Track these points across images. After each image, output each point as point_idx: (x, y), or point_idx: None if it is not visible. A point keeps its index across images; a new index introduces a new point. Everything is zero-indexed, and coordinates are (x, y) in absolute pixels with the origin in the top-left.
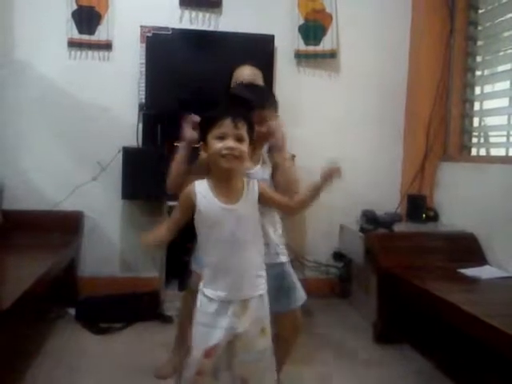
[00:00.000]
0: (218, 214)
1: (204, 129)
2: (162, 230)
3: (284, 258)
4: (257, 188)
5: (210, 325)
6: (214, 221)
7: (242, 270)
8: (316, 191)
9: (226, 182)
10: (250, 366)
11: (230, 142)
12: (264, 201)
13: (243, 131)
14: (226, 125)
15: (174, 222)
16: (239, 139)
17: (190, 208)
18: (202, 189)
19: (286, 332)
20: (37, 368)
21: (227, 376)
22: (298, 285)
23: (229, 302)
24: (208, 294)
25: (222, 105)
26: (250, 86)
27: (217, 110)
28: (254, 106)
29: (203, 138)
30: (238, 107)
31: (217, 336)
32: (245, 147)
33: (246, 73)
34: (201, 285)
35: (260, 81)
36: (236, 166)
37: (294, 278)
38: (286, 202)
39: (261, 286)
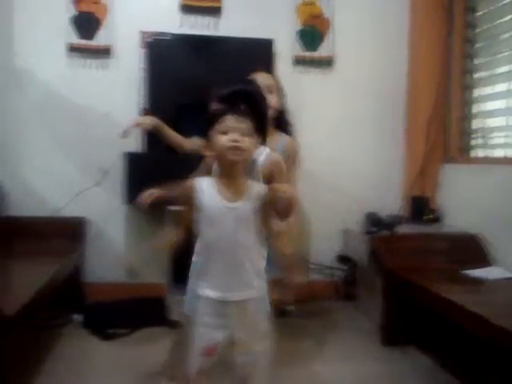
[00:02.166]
0: (219, 211)
1: (208, 126)
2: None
3: None
4: (262, 191)
5: (209, 325)
6: (215, 219)
7: (240, 271)
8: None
9: (229, 179)
10: (248, 366)
11: (235, 135)
12: (263, 206)
13: (247, 125)
14: (230, 119)
15: (181, 221)
16: (244, 134)
17: (193, 203)
18: (204, 185)
19: None
20: (44, 375)
21: (226, 378)
22: None
23: (226, 302)
24: (205, 294)
25: (225, 101)
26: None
27: (221, 106)
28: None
29: (207, 136)
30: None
31: (216, 335)
32: (249, 142)
33: (258, 80)
34: (198, 282)
35: (275, 90)
36: (241, 158)
37: None
38: (272, 232)
39: (260, 288)
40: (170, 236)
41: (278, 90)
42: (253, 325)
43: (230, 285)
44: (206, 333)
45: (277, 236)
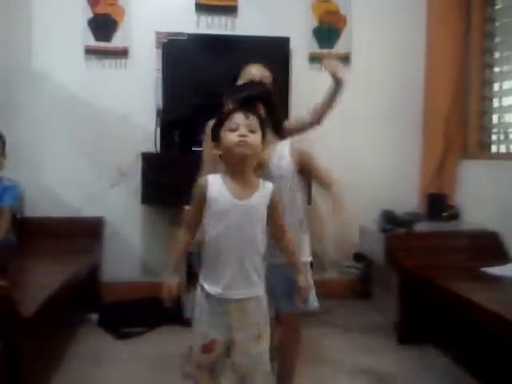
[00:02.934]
0: (227, 207)
1: (217, 126)
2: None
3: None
4: (270, 193)
5: (207, 322)
6: (223, 214)
7: (241, 267)
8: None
9: (238, 176)
10: (247, 367)
11: (243, 130)
12: (269, 210)
13: (254, 122)
14: (238, 117)
15: (192, 220)
16: (251, 130)
17: (204, 200)
18: (214, 181)
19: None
20: (61, 373)
21: (226, 375)
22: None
23: (225, 300)
24: (206, 289)
25: (232, 101)
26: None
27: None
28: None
29: (216, 136)
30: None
31: (214, 333)
32: (257, 138)
33: (253, 71)
34: (200, 279)
35: (267, 81)
36: (248, 152)
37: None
38: (284, 230)
39: (258, 287)
40: (183, 244)
41: (273, 84)
42: (252, 325)
43: (232, 282)
44: (204, 330)
45: (287, 235)
